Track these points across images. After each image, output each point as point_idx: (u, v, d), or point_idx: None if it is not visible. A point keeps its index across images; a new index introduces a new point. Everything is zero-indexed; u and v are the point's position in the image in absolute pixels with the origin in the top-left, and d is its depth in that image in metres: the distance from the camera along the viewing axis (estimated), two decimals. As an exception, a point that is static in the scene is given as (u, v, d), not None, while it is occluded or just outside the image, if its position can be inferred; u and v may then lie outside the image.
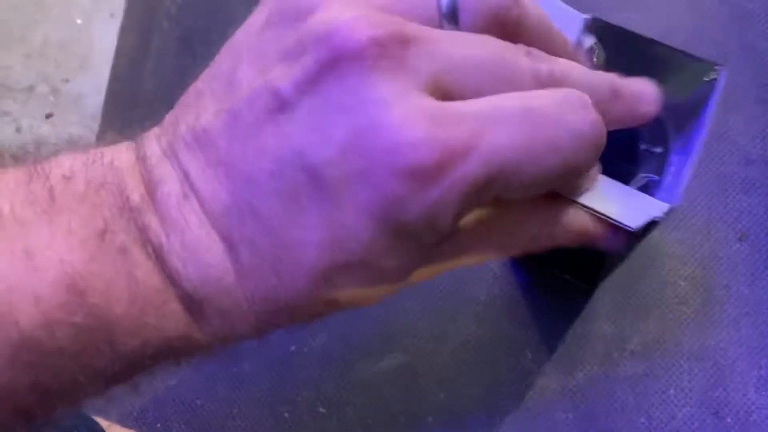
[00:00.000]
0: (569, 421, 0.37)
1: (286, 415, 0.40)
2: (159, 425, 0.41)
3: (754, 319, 0.38)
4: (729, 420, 0.36)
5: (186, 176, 0.19)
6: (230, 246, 0.18)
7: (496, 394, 0.39)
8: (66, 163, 0.19)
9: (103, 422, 0.39)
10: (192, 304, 0.18)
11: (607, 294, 0.39)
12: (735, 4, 0.43)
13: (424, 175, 0.17)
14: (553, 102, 0.19)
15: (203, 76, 0.20)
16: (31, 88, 0.54)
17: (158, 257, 0.18)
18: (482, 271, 0.41)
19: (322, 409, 0.40)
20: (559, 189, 0.21)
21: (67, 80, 0.53)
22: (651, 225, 0.23)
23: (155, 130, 0.20)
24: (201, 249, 0.18)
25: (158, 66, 0.50)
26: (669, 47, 0.27)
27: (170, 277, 0.18)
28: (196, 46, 0.51)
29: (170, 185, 0.19)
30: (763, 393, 0.37)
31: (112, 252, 0.18)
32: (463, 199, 0.18)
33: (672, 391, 0.37)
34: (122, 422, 0.41)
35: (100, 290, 0.17)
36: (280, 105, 0.18)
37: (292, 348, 0.41)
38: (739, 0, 0.43)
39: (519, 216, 0.21)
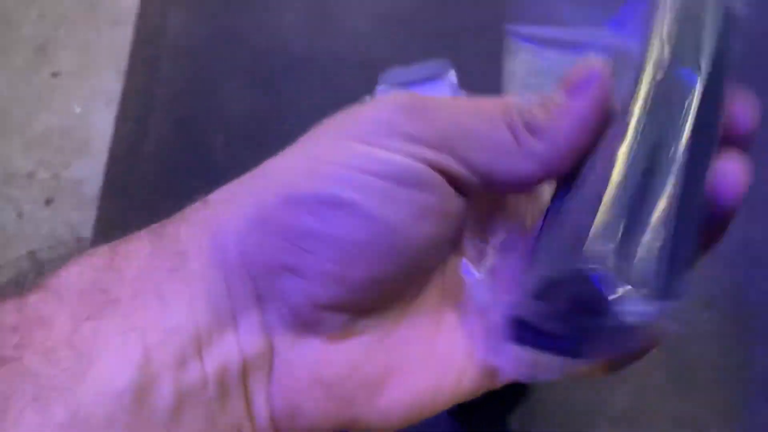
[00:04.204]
0: (555, 488, 0.39)
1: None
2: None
3: (727, 384, 0.40)
4: (707, 482, 0.38)
5: None
6: None
7: (484, 464, 0.40)
8: None
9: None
10: None
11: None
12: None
13: None
14: None
15: None
16: (31, 175, 0.56)
17: None
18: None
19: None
20: None
21: (67, 166, 0.55)
22: None
23: None
24: None
25: (155, 151, 0.53)
26: None
27: None
28: (192, 130, 0.54)
29: None
30: (739, 455, 0.38)
31: None
32: None
33: (652, 456, 0.39)
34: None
35: None
36: None
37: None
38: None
39: None
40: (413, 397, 0.22)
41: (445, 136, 0.21)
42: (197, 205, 0.22)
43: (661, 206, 0.20)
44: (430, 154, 0.21)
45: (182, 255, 0.21)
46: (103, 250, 0.21)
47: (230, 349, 0.21)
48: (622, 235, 0.20)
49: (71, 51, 0.59)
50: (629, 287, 0.19)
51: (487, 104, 0.22)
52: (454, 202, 0.22)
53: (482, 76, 0.49)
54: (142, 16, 0.59)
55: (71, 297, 0.20)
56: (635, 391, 0.40)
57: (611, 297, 0.19)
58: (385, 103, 0.21)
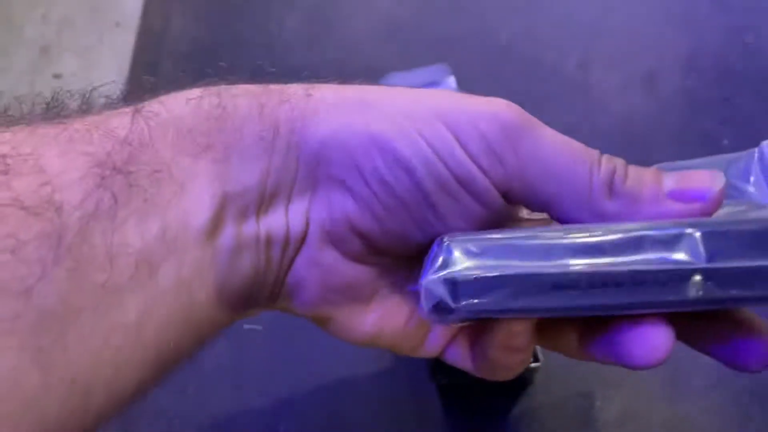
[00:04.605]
0: (548, 493, 0.39)
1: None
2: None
3: (721, 390, 0.40)
4: (701, 489, 0.38)
5: None
6: None
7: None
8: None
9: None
10: None
11: (580, 368, 0.41)
12: (691, 93, 0.47)
13: None
14: None
15: None
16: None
17: None
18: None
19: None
20: None
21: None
22: None
23: None
24: None
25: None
26: None
27: None
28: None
29: None
30: (732, 461, 0.38)
31: None
32: None
33: (646, 462, 0.39)
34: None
35: None
36: None
37: (281, 430, 0.42)
38: (695, 89, 0.47)
39: None
40: (380, 330, 0.27)
41: (525, 165, 0.23)
42: (300, 92, 0.25)
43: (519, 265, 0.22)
44: (501, 177, 0.23)
45: (275, 128, 0.24)
46: (212, 95, 0.24)
47: (280, 220, 0.25)
48: (482, 252, 0.22)
49: (74, 53, 0.59)
50: (447, 268, 0.22)
51: (582, 150, 0.24)
52: (501, 213, 0.24)
53: (480, 83, 0.49)
54: (145, 20, 0.59)
55: (175, 131, 0.23)
56: (629, 397, 0.40)
57: (436, 263, 0.23)
58: (490, 110, 0.23)
